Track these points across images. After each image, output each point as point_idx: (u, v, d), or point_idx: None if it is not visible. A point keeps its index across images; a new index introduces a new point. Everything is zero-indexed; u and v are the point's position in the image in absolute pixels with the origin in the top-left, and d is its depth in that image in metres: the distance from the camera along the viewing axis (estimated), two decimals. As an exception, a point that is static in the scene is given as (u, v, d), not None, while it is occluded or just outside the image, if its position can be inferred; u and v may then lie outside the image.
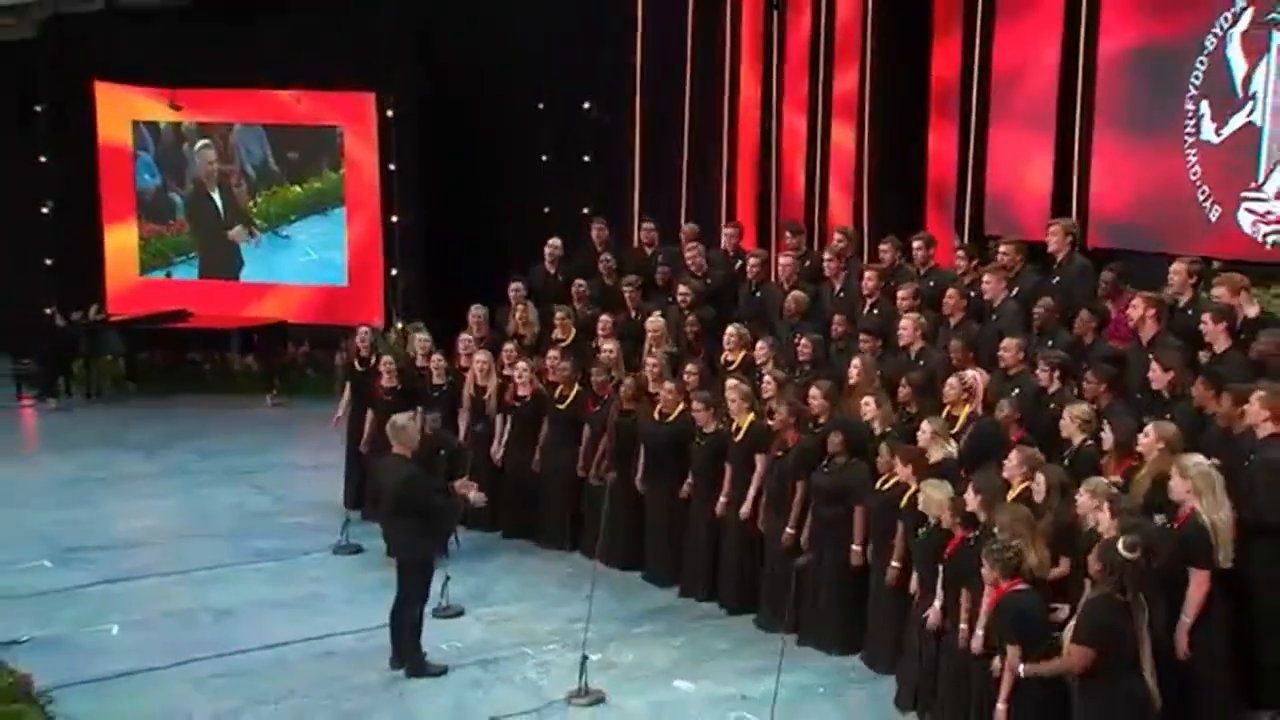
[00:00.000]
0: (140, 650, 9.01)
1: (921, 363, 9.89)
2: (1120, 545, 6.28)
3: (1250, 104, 10.78)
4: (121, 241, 18.50)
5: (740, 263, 12.29)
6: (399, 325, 16.56)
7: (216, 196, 18.34)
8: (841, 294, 11.39)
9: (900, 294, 10.64)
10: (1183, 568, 6.94)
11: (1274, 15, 10.58)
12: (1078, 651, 6.28)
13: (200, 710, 8.16)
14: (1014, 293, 10.30)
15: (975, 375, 9.28)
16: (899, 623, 8.32)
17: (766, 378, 9.96)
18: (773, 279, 12.18)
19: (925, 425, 8.53)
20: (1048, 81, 12.30)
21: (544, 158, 16.90)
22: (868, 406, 9.14)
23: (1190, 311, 9.23)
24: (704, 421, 9.92)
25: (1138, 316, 9.15)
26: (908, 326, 10.13)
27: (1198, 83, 11.11)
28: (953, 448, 8.46)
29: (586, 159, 16.46)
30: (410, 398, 11.32)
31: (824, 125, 14.30)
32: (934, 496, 7.69)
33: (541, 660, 8.91)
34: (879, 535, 8.55)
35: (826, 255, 11.71)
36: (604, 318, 11.82)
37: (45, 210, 18.18)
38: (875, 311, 10.87)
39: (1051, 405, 8.71)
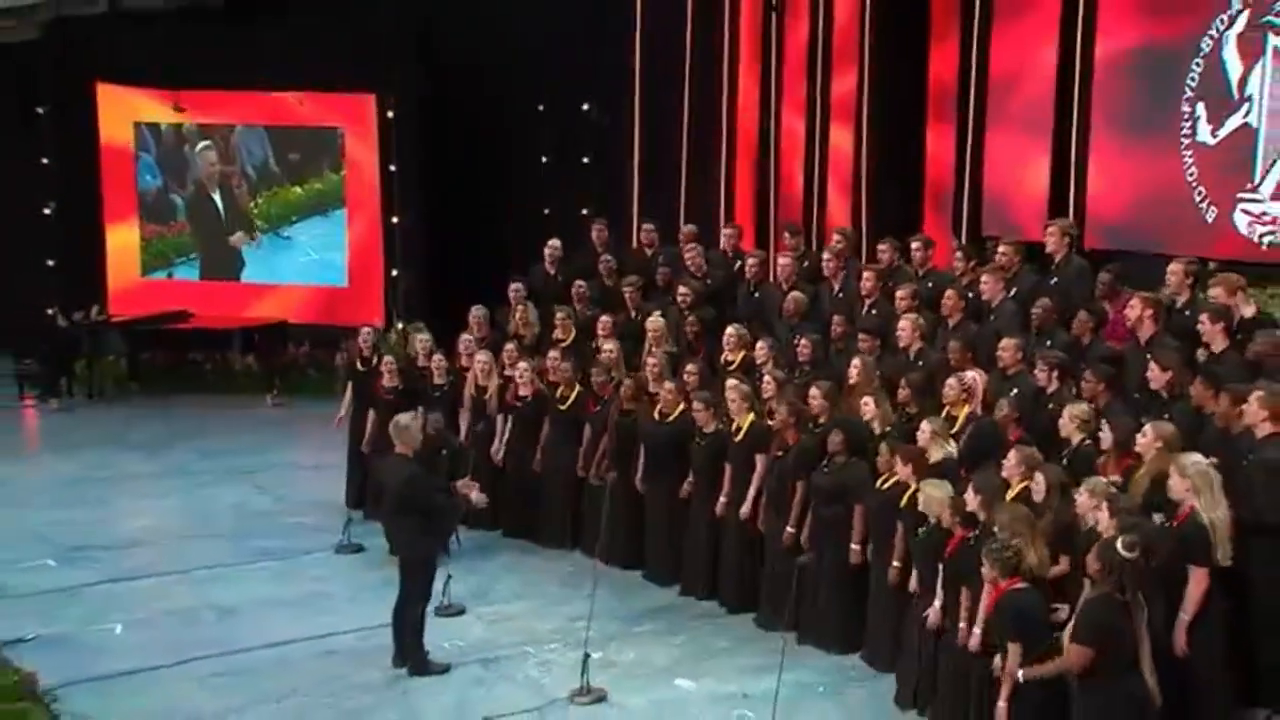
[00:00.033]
0: (144, 649, 9.06)
1: (920, 363, 9.92)
2: (1119, 545, 6.30)
3: (1246, 106, 10.83)
4: (123, 242, 18.52)
5: (739, 263, 12.33)
6: (399, 325, 16.60)
7: (217, 198, 18.36)
8: (840, 294, 11.42)
9: (899, 294, 10.67)
10: (1182, 566, 6.98)
11: (1269, 18, 10.63)
12: (1077, 651, 6.31)
13: (203, 708, 8.19)
14: (1012, 293, 10.34)
15: (974, 376, 9.32)
16: (899, 621, 8.36)
17: (766, 378, 10.00)
18: (771, 279, 12.21)
19: (925, 425, 8.56)
20: (1045, 83, 12.34)
21: (544, 158, 16.92)
22: (867, 406, 9.18)
23: (1187, 312, 9.28)
24: (704, 421, 9.95)
25: (1135, 317, 9.19)
26: (906, 327, 10.17)
27: (1194, 85, 11.16)
28: (952, 448, 8.49)
29: (586, 160, 16.49)
30: (412, 398, 11.37)
31: (822, 126, 14.33)
32: (934, 496, 7.72)
33: (543, 659, 8.95)
34: (879, 535, 8.58)
35: (825, 256, 11.75)
36: (604, 318, 11.85)
37: (47, 211, 18.22)
38: (874, 312, 10.90)
39: (1050, 405, 8.74)
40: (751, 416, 9.74)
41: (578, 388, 11.16)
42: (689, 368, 10.57)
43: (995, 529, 7.14)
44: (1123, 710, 6.32)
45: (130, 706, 8.24)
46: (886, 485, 8.48)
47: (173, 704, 8.26)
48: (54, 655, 8.87)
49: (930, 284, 10.94)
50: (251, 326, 17.81)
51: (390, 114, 17.14)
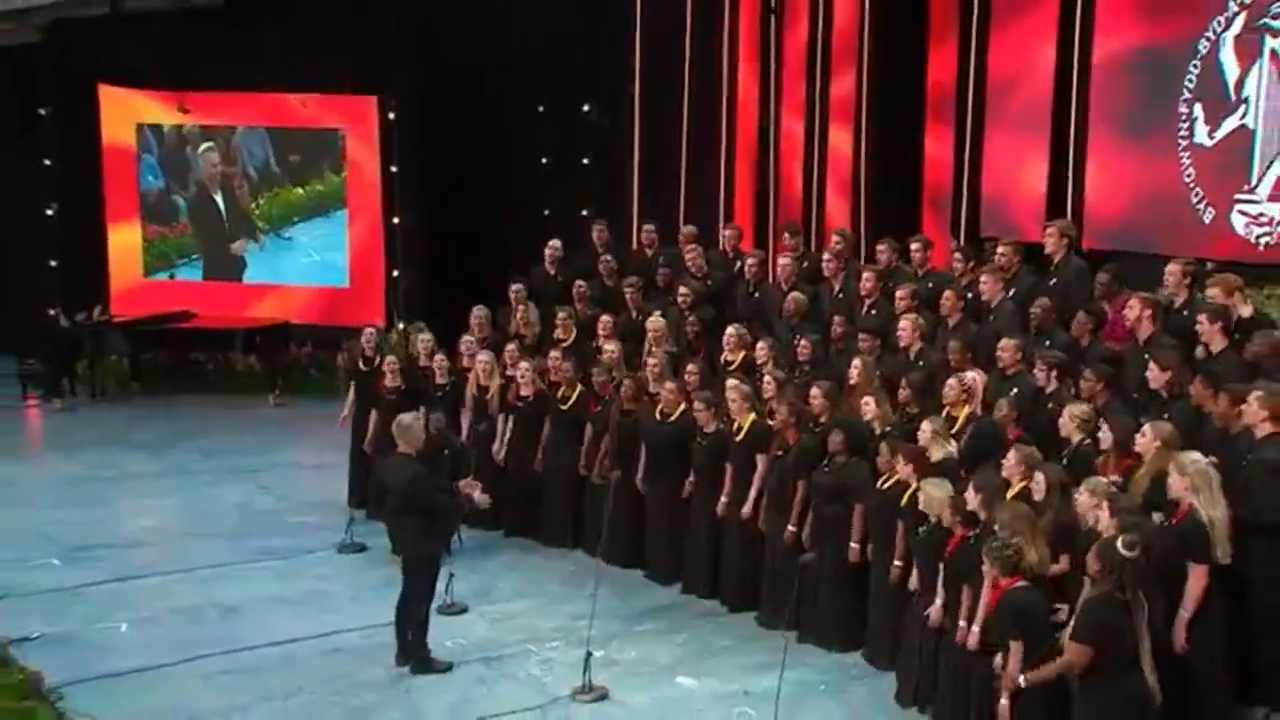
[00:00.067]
0: (149, 647, 9.09)
1: (920, 363, 9.96)
2: (1119, 544, 6.33)
3: (1243, 107, 10.86)
4: (125, 243, 18.56)
5: (739, 264, 12.37)
6: (400, 326, 16.64)
7: (219, 199, 18.40)
8: (840, 295, 11.46)
9: (898, 295, 10.71)
10: (1181, 563, 7.02)
11: (1266, 20, 10.68)
12: (1077, 650, 6.33)
13: (209, 706, 8.23)
14: (1011, 294, 10.38)
15: (974, 376, 9.36)
16: (899, 620, 8.40)
17: (767, 378, 10.04)
18: (771, 280, 12.25)
19: (925, 425, 8.60)
20: (1043, 85, 12.37)
21: (544, 159, 16.95)
22: (867, 406, 9.23)
23: (1186, 312, 9.31)
24: (705, 421, 10.00)
25: (1134, 317, 9.22)
26: (906, 327, 10.21)
27: (1191, 86, 11.20)
28: (953, 447, 8.53)
29: (586, 161, 16.51)
30: (414, 398, 11.43)
31: (821, 128, 14.36)
32: (934, 495, 7.76)
33: (545, 657, 8.99)
34: (880, 534, 8.62)
35: (825, 256, 11.79)
36: (605, 318, 11.89)
37: (50, 212, 18.27)
38: (874, 312, 10.95)
39: (1049, 405, 8.78)
40: (752, 416, 9.78)
41: (579, 388, 11.20)
42: (689, 368, 10.62)
43: (996, 528, 7.18)
44: (1123, 709, 6.35)
45: (136, 705, 8.27)
46: (887, 485, 8.52)
47: (178, 702, 8.30)
48: (59, 654, 8.91)
49: (930, 284, 10.97)
50: (253, 327, 17.85)
51: (391, 115, 17.16)
